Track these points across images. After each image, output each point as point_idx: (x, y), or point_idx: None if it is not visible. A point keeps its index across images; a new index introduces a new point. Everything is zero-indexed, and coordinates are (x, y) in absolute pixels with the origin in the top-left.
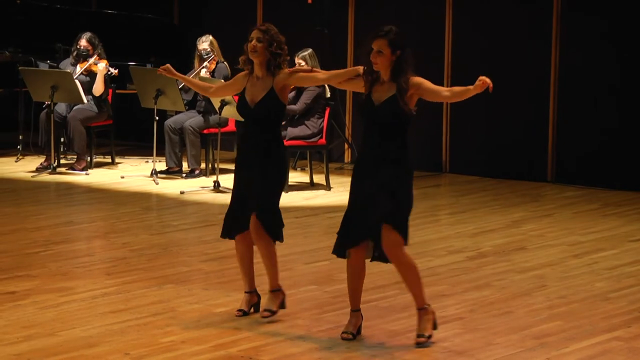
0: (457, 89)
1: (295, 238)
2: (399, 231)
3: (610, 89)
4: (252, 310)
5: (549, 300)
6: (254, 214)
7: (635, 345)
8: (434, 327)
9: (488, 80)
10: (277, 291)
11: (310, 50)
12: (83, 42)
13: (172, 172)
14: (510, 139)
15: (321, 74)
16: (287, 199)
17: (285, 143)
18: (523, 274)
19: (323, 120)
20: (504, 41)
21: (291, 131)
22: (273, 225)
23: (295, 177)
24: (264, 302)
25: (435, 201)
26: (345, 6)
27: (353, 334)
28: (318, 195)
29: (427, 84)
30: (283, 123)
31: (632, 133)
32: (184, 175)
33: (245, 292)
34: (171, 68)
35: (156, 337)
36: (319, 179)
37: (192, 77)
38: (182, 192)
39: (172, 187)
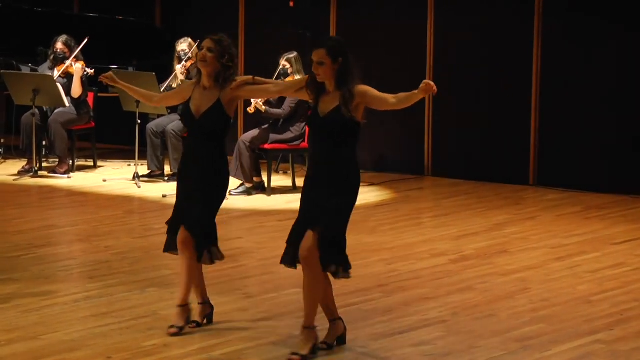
0: (402, 95)
1: (277, 241)
2: (323, 239)
3: (593, 92)
4: (205, 321)
5: (531, 303)
6: (182, 227)
7: (617, 348)
8: (313, 351)
9: (432, 83)
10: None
11: (295, 54)
12: (59, 45)
13: (154, 175)
14: (493, 142)
15: (273, 86)
16: (269, 202)
17: (268, 147)
18: (506, 276)
19: (305, 124)
20: (485, 43)
21: (273, 136)
22: (206, 239)
23: (277, 180)
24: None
25: (417, 204)
26: (327, 9)
27: (328, 344)
28: (300, 198)
29: (373, 92)
30: (265, 127)
31: (615, 136)
32: (166, 178)
33: (198, 303)
34: (114, 76)
35: (139, 340)
36: (301, 182)
37: (171, 80)
38: (164, 196)
39: (154, 190)
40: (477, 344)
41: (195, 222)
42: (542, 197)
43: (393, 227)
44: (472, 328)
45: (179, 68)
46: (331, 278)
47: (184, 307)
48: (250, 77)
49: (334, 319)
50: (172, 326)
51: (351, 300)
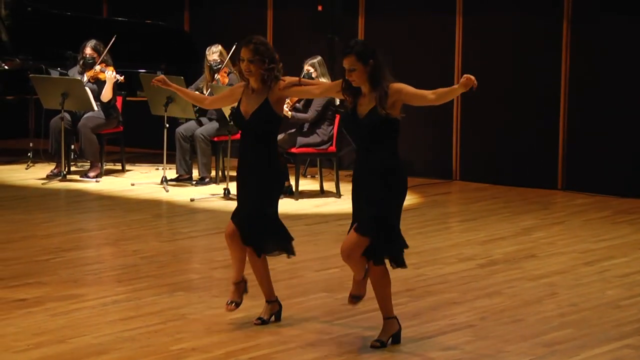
0: (441, 90)
1: (305, 245)
2: (363, 235)
3: (621, 96)
4: (272, 318)
5: (559, 308)
6: (231, 220)
7: None
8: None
9: (472, 77)
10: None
11: (319, 58)
12: (88, 50)
13: (183, 179)
14: (521, 146)
15: (316, 89)
16: (297, 207)
17: (295, 151)
18: (534, 281)
19: (333, 128)
20: (514, 49)
21: (301, 140)
22: (259, 234)
23: (305, 184)
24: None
25: (445, 208)
26: (355, 13)
27: (382, 342)
28: (328, 202)
29: (409, 89)
30: (292, 131)
31: None
32: (194, 182)
33: (266, 302)
34: (166, 79)
35: (166, 344)
36: (329, 186)
37: (205, 89)
38: (192, 200)
39: (182, 194)
40: (505, 348)
41: (243, 219)
42: (571, 202)
43: (420, 232)
44: (500, 333)
45: (214, 85)
46: (391, 275)
47: (239, 283)
48: (297, 78)
49: (388, 317)
50: (230, 302)
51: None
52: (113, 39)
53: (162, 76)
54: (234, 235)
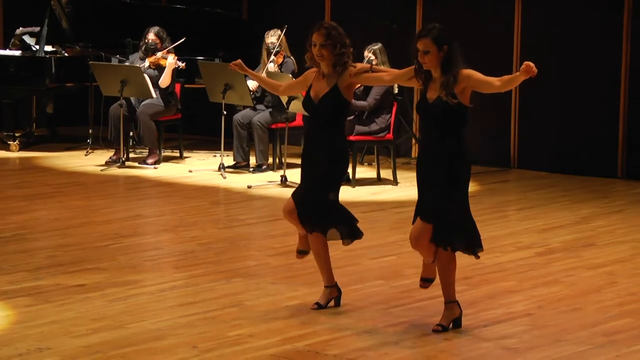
0: (506, 77)
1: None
2: (427, 222)
3: None
4: (331, 304)
5: (619, 297)
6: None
7: None
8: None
9: (532, 64)
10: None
11: (380, 45)
12: (151, 36)
13: (240, 166)
14: (580, 134)
15: (386, 75)
16: (354, 194)
17: (352, 138)
18: (592, 270)
19: (390, 116)
20: (575, 35)
21: (359, 127)
22: (321, 219)
23: (362, 172)
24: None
25: (503, 197)
26: (414, 0)
27: (443, 326)
28: (385, 190)
29: (478, 75)
30: (350, 118)
31: None
32: (251, 169)
33: (325, 287)
34: (243, 64)
35: (224, 330)
36: (386, 174)
37: (261, 71)
38: (249, 187)
39: (239, 181)
40: (563, 337)
41: (302, 199)
42: (631, 190)
43: (478, 220)
44: (558, 322)
45: (271, 66)
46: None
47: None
48: (368, 65)
49: (450, 301)
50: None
51: (436, 292)
52: (181, 40)
53: (239, 60)
54: (292, 212)
